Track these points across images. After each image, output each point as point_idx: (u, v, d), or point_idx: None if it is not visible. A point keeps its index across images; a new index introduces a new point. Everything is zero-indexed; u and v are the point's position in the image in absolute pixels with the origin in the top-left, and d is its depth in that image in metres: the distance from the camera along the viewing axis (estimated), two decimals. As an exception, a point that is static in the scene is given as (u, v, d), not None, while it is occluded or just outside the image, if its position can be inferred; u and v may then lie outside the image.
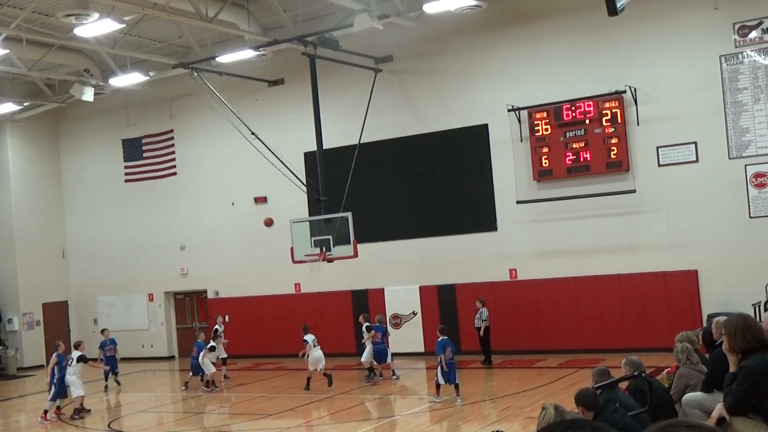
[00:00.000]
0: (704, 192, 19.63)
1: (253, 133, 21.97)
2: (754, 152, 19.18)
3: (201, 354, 20.54)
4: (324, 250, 19.89)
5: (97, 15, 18.26)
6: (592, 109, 20.58)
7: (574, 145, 20.81)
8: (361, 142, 22.56)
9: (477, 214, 22.32)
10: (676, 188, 19.93)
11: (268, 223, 20.24)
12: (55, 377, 18.09)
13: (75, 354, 18.50)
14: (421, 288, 23.05)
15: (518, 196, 21.33)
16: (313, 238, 20.17)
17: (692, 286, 19.85)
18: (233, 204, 26.14)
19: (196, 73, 22.32)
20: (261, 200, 25.62)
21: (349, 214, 19.87)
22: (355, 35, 20.99)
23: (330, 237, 19.90)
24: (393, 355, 20.04)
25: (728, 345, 6.91)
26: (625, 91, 20.12)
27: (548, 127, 21.05)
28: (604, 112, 20.44)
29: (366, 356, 19.69)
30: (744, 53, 19.23)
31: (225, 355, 21.91)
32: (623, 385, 9.13)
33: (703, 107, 19.60)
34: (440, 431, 15.12)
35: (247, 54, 22.17)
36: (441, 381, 16.37)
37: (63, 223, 29.70)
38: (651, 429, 2.78)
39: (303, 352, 19.44)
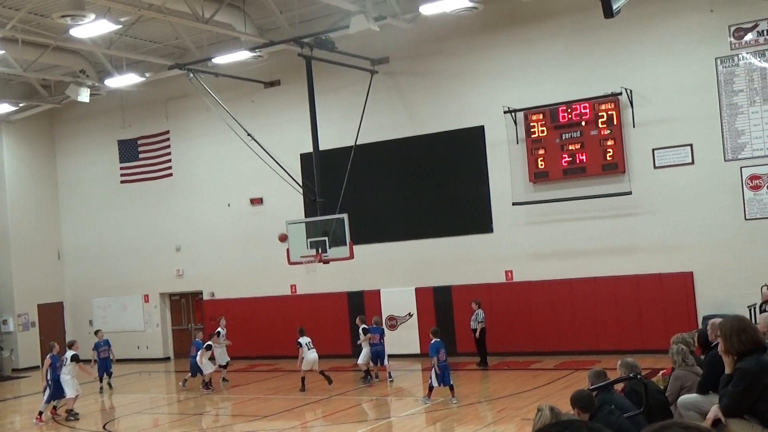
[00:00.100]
0: (700, 194, 19.66)
1: (249, 135, 21.96)
2: (750, 154, 19.21)
3: (198, 354, 20.54)
4: (320, 251, 19.88)
5: (93, 16, 18.24)
6: (588, 111, 20.60)
7: (570, 147, 20.84)
8: (358, 143, 22.56)
9: (473, 216, 22.33)
10: (671, 190, 19.96)
11: (282, 239, 20.19)
12: (50, 378, 18.05)
13: (69, 354, 18.47)
14: (416, 289, 23.04)
15: (514, 197, 21.34)
16: (309, 240, 20.15)
17: (688, 287, 19.87)
18: (229, 205, 26.12)
19: (192, 74, 22.30)
20: (257, 201, 25.60)
21: (345, 216, 19.86)
22: (352, 37, 20.99)
23: (326, 238, 19.88)
24: (389, 356, 20.00)
25: (724, 347, 6.92)
26: (621, 93, 20.15)
27: (544, 128, 21.07)
28: (600, 114, 20.46)
29: (363, 358, 19.68)
30: (739, 55, 19.26)
31: (227, 359, 21.81)
32: (619, 386, 9.15)
33: (699, 109, 19.63)
34: (436, 433, 15.11)
35: (243, 55, 22.15)
36: (435, 383, 16.36)
37: (58, 224, 29.65)
38: (647, 430, 2.79)
39: (300, 355, 19.51)
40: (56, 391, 18.03)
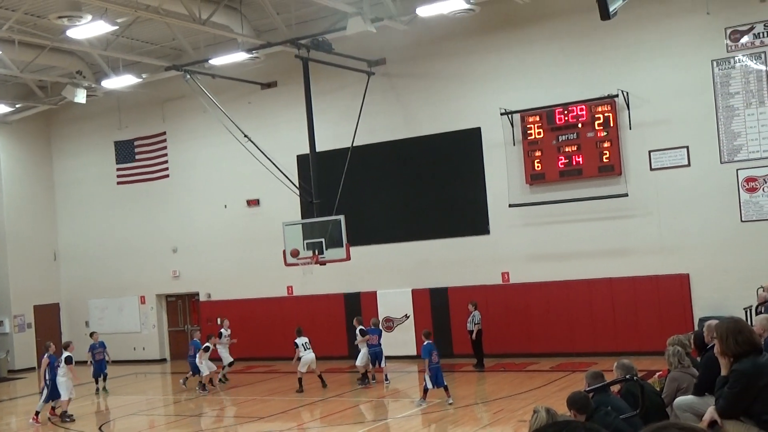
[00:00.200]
0: (696, 196, 19.70)
1: (245, 136, 21.93)
2: (746, 156, 19.25)
3: (198, 355, 20.54)
4: (316, 252, 19.88)
5: (89, 17, 18.23)
6: (584, 113, 20.62)
7: (567, 149, 20.86)
8: (354, 145, 22.57)
9: (469, 218, 22.34)
10: (667, 192, 19.99)
11: (295, 254, 20.16)
12: (48, 379, 18.01)
13: (64, 355, 18.44)
14: (413, 291, 23.04)
15: (511, 199, 21.36)
16: (305, 241, 20.14)
17: (684, 289, 19.90)
18: (226, 206, 26.10)
19: (188, 76, 22.29)
20: (254, 203, 25.60)
21: (341, 217, 19.86)
22: (349, 38, 21.00)
23: (323, 240, 19.88)
24: (385, 358, 19.99)
25: (720, 348, 6.93)
26: (617, 95, 20.18)
27: (541, 130, 21.09)
28: (596, 116, 20.49)
29: (361, 360, 19.66)
30: (736, 58, 19.30)
31: (231, 359, 21.76)
32: (615, 388, 9.15)
33: (695, 112, 19.67)
34: (432, 434, 15.12)
35: (240, 56, 22.15)
36: (429, 385, 16.38)
37: (55, 225, 29.62)
38: (644, 431, 2.79)
39: (296, 355, 19.53)
40: (53, 391, 17.99)
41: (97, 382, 21.91)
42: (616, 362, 9.53)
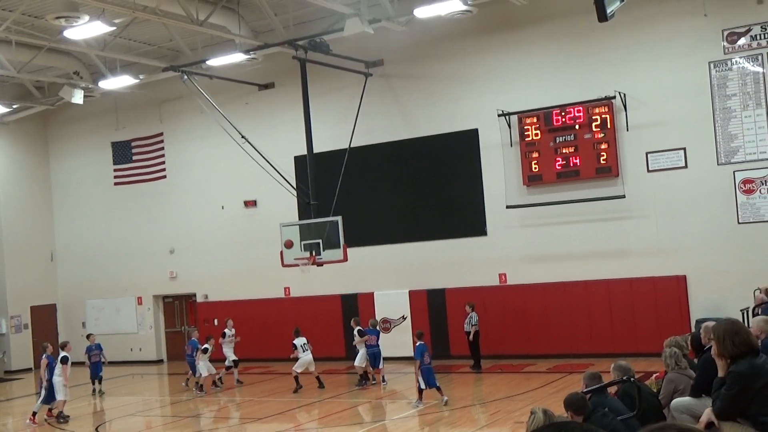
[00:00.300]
0: (693, 198, 19.72)
1: (243, 137, 21.93)
2: (743, 158, 19.28)
3: (195, 356, 20.55)
4: (314, 253, 19.87)
5: (87, 17, 18.22)
6: (581, 114, 20.64)
7: (564, 151, 20.87)
8: (352, 146, 22.57)
9: (467, 219, 22.35)
10: (665, 194, 20.01)
11: (289, 245, 20.18)
12: (45, 379, 17.96)
13: (60, 354, 18.42)
14: (410, 292, 23.04)
15: (508, 200, 21.36)
16: (303, 242, 20.14)
17: (681, 291, 19.92)
18: (223, 207, 26.09)
19: (186, 77, 22.28)
20: (251, 204, 25.58)
21: (339, 218, 19.86)
22: (346, 39, 20.99)
23: (320, 241, 19.88)
24: (383, 359, 19.98)
25: (717, 350, 6.93)
26: (614, 97, 20.19)
27: (538, 132, 21.10)
28: (593, 117, 20.50)
29: (359, 360, 19.65)
30: (733, 60, 19.33)
31: (234, 358, 21.73)
32: (612, 389, 9.16)
33: (692, 113, 19.69)
34: (429, 436, 15.11)
35: (238, 57, 22.15)
36: (423, 386, 16.40)
37: (52, 226, 29.58)
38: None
39: (294, 355, 19.55)
40: (51, 392, 17.95)
41: (93, 384, 21.84)
42: (614, 364, 9.54)
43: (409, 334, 22.65)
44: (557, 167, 20.93)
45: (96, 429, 17.83)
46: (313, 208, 21.03)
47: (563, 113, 20.82)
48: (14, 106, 26.91)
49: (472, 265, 22.20)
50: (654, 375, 12.56)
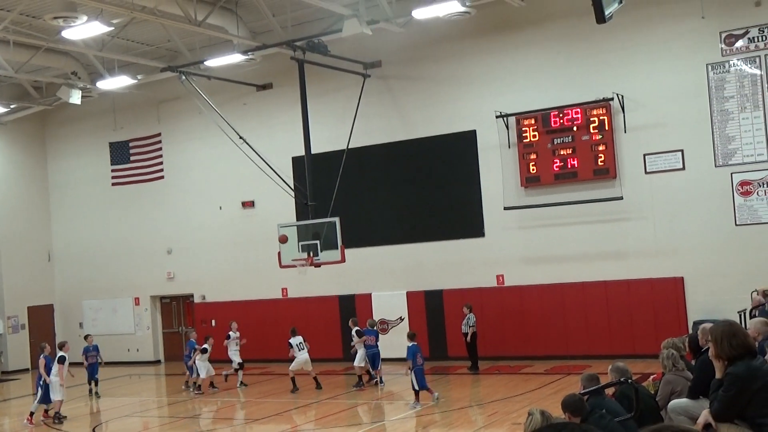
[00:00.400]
0: (690, 199, 19.73)
1: (241, 138, 21.93)
2: (740, 160, 19.30)
3: (192, 357, 20.53)
4: (311, 254, 19.86)
5: (85, 17, 18.22)
6: (579, 116, 20.65)
7: (562, 152, 20.88)
8: (350, 147, 22.57)
9: (464, 220, 22.35)
10: (662, 195, 20.02)
11: (283, 239, 20.17)
12: (42, 379, 17.92)
13: (58, 354, 18.38)
14: (408, 293, 23.04)
15: (506, 202, 21.37)
16: (300, 243, 20.13)
17: (678, 293, 19.93)
18: (221, 208, 26.08)
19: (184, 77, 22.27)
20: (248, 204, 25.57)
21: (336, 219, 19.85)
22: (344, 40, 21.00)
23: (317, 242, 19.87)
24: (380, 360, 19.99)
25: (714, 351, 6.93)
26: (612, 99, 20.21)
27: (536, 133, 21.11)
28: (591, 119, 20.52)
29: (358, 361, 19.65)
30: (730, 62, 19.35)
31: (239, 360, 21.66)
32: (610, 391, 9.16)
33: (690, 115, 19.71)
34: (427, 437, 15.10)
35: (236, 58, 22.14)
36: (416, 387, 16.43)
37: (49, 226, 29.56)
38: (639, 434, 2.79)
39: (291, 354, 19.57)
40: (47, 392, 17.91)
41: (90, 385, 21.74)
42: (611, 365, 9.54)
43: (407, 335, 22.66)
44: (555, 169, 20.94)
45: (93, 430, 17.81)
46: (310, 209, 21.02)
47: (561, 115, 20.83)
48: (12, 106, 26.89)
49: (469, 266, 22.20)
50: (651, 376, 12.58)
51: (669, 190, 19.94)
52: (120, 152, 28.02)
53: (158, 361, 27.81)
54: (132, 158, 27.82)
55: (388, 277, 23.25)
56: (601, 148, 20.46)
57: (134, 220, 27.69)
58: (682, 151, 19.85)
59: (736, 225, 19.35)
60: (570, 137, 20.76)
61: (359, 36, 20.33)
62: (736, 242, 19.30)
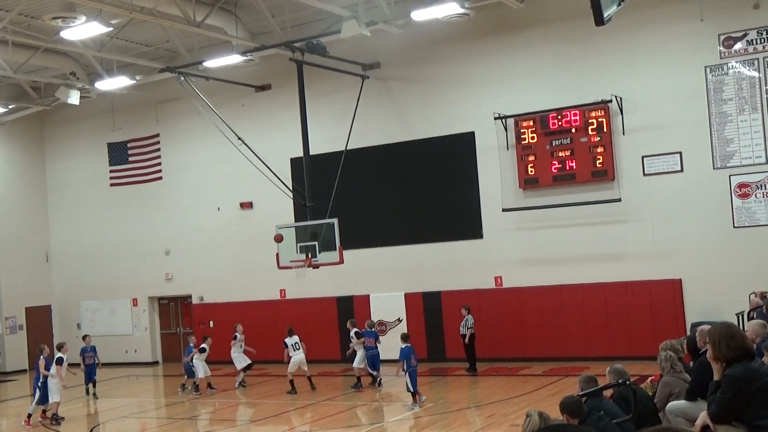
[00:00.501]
0: (689, 201, 19.74)
1: (239, 138, 21.92)
2: (738, 162, 19.31)
3: (189, 355, 20.51)
4: (310, 256, 19.86)
5: (83, 18, 18.22)
6: (578, 118, 20.66)
7: (560, 154, 20.89)
8: (348, 148, 22.56)
9: (463, 222, 22.35)
10: (661, 197, 20.03)
11: (278, 239, 20.17)
12: (40, 381, 17.90)
13: (56, 355, 18.34)
14: (406, 295, 23.03)
15: (504, 203, 21.38)
16: (298, 244, 20.13)
17: (676, 295, 19.94)
18: (219, 209, 26.07)
19: (183, 78, 22.27)
20: (247, 205, 25.56)
21: (335, 221, 19.85)
22: (343, 42, 21.01)
23: (316, 243, 19.87)
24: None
25: (712, 353, 6.94)
26: (611, 101, 20.22)
27: (534, 135, 21.12)
28: (590, 121, 20.53)
29: (358, 362, 19.65)
30: (729, 64, 19.37)
31: (247, 362, 21.59)
32: (608, 392, 9.16)
33: (688, 117, 19.73)
34: (424, 438, 15.10)
35: (235, 59, 22.14)
36: (411, 388, 16.44)
37: (47, 227, 29.53)
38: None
39: (286, 353, 19.60)
40: (45, 394, 17.89)
41: (87, 386, 21.63)
42: (609, 367, 9.54)
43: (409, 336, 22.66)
44: (553, 170, 20.95)
45: (91, 431, 17.79)
46: (309, 210, 21.02)
47: (560, 117, 20.84)
48: (10, 107, 26.87)
49: (467, 267, 22.21)
50: (649, 378, 12.57)
51: (667, 192, 19.95)
52: (118, 153, 28.00)
53: (156, 362, 27.79)
54: (130, 159, 27.81)
55: (387, 278, 23.25)
56: (599, 150, 20.47)
57: (132, 221, 27.67)
58: (680, 153, 19.87)
59: (734, 227, 19.37)
60: (568, 139, 20.77)
61: (358, 37, 20.33)
62: (734, 244, 19.31)
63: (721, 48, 19.43)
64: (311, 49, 20.71)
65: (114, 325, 28.02)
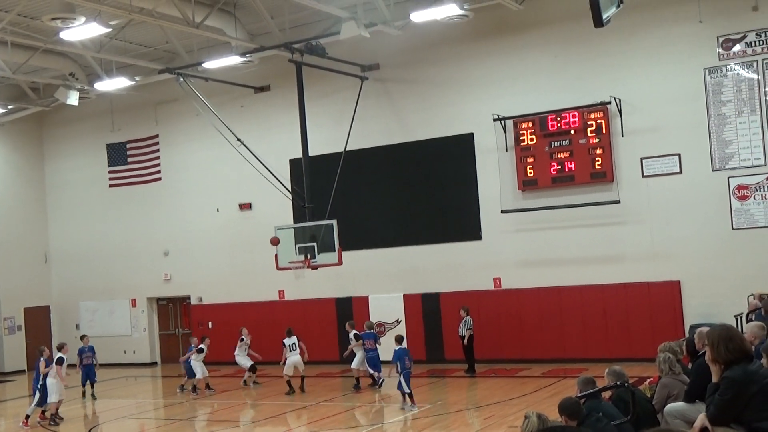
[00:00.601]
0: (687, 203, 19.75)
1: (238, 139, 21.94)
2: (737, 164, 19.33)
3: (187, 355, 20.49)
4: (308, 257, 19.86)
5: (83, 19, 18.21)
6: (577, 119, 20.68)
7: (559, 155, 20.90)
8: (347, 149, 22.57)
9: (462, 223, 22.36)
10: (659, 199, 20.04)
11: (275, 242, 20.19)
12: (40, 382, 17.88)
13: (56, 355, 18.32)
14: (405, 296, 23.03)
15: (503, 205, 21.38)
16: (297, 245, 20.14)
17: (675, 296, 19.95)
18: (218, 210, 26.07)
19: (182, 79, 22.28)
20: (246, 207, 25.56)
21: (334, 222, 19.86)
22: (342, 43, 21.02)
23: (315, 244, 19.87)
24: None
25: (711, 355, 6.94)
26: (610, 102, 20.24)
27: (533, 137, 21.13)
28: (589, 122, 20.54)
29: (356, 364, 19.64)
30: (728, 66, 19.39)
31: (251, 362, 21.56)
32: (606, 394, 9.16)
33: (687, 119, 19.74)
34: (423, 440, 15.10)
35: (234, 60, 22.15)
36: (406, 389, 16.45)
37: (46, 228, 29.53)
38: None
39: (284, 355, 19.59)
40: (44, 394, 17.87)
41: (84, 387, 21.50)
42: (608, 368, 9.53)
43: (405, 337, 22.65)
44: (552, 172, 20.96)
45: (89, 431, 17.77)
46: (308, 212, 21.02)
47: (558, 118, 20.85)
48: (9, 107, 26.87)
49: (466, 269, 22.21)
50: (648, 380, 12.57)
51: (666, 194, 19.96)
52: (117, 153, 28.00)
53: (155, 363, 27.78)
54: (129, 160, 27.80)
55: (385, 279, 23.25)
56: (598, 151, 20.48)
57: (131, 222, 27.66)
58: (679, 155, 19.88)
59: (732, 229, 19.38)
60: (567, 141, 20.79)
61: (357, 39, 20.34)
62: (733, 246, 19.32)
63: (720, 50, 19.44)
64: (310, 51, 20.72)
65: (113, 325, 28.01)
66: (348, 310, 23.29)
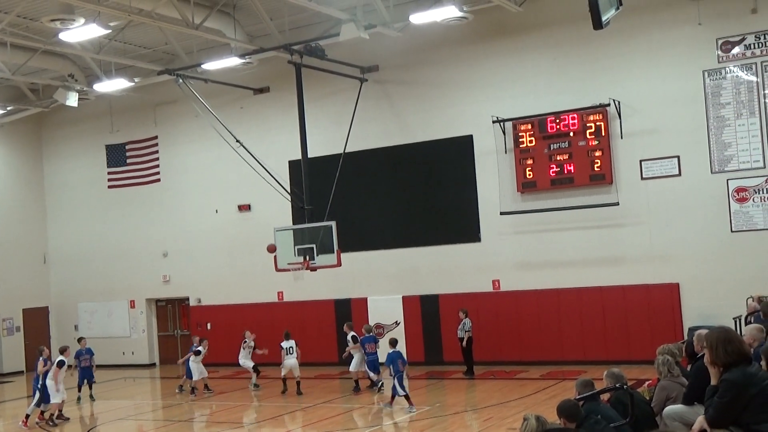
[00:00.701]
0: (686, 206, 19.76)
1: (237, 141, 21.95)
2: (736, 167, 19.34)
3: (187, 356, 20.48)
4: (307, 258, 19.85)
5: (82, 20, 18.21)
6: (576, 121, 20.68)
7: (558, 158, 20.91)
8: (346, 151, 22.57)
9: (461, 225, 22.36)
10: (658, 201, 20.05)
11: (271, 249, 20.20)
12: (39, 383, 17.86)
13: (58, 358, 18.29)
14: (404, 298, 23.03)
15: (502, 207, 21.38)
16: (296, 247, 20.13)
17: (674, 299, 19.95)
18: (217, 211, 26.07)
19: (181, 80, 22.27)
20: (245, 208, 25.56)
21: (333, 223, 19.85)
22: (342, 44, 21.02)
23: (314, 246, 19.86)
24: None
25: (710, 358, 6.95)
26: (609, 105, 20.24)
27: (532, 139, 21.14)
28: (588, 124, 20.55)
29: (354, 366, 19.63)
30: (727, 69, 19.40)
31: (252, 364, 21.53)
32: (605, 396, 9.16)
33: (686, 121, 19.75)
34: (422, 441, 15.10)
35: (233, 61, 22.15)
36: (400, 392, 16.46)
37: (45, 229, 29.52)
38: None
39: (282, 358, 19.62)
40: (44, 395, 17.86)
41: (80, 390, 21.16)
42: (606, 371, 9.53)
43: (402, 340, 22.64)
44: (551, 174, 20.96)
45: (87, 432, 17.77)
46: (307, 213, 21.01)
47: (558, 120, 20.86)
48: (8, 108, 26.87)
49: (465, 271, 22.21)
50: (647, 382, 12.58)
51: (665, 196, 19.97)
52: (116, 155, 28.00)
53: (153, 365, 27.77)
54: (128, 161, 27.80)
55: (384, 281, 23.25)
56: (597, 153, 20.49)
57: (130, 223, 27.66)
58: (678, 157, 19.89)
59: (731, 231, 19.38)
60: (566, 143, 20.79)
61: (356, 40, 20.35)
62: (732, 249, 19.32)
63: (719, 52, 19.46)
64: (310, 52, 20.72)
65: (111, 326, 28.00)
66: (347, 312, 23.28)
